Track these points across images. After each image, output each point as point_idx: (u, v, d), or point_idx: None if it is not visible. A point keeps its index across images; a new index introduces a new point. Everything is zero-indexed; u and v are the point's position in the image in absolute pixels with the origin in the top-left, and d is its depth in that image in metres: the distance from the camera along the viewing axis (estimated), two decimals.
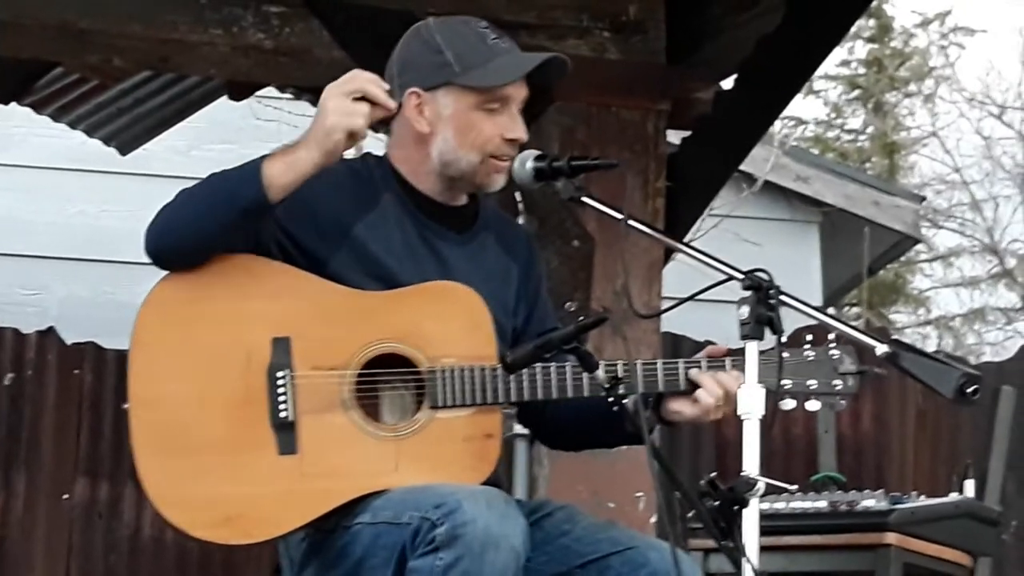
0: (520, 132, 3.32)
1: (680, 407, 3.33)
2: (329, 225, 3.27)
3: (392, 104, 3.22)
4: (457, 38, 3.32)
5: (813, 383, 3.29)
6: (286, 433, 3.19)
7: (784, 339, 3.10)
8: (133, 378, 3.22)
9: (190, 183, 3.22)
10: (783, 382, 3.25)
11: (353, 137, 3.18)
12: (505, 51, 3.33)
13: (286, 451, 3.19)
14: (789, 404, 3.29)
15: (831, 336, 3.29)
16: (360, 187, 3.33)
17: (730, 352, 3.31)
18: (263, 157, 3.17)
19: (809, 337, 3.31)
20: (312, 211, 3.26)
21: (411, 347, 3.23)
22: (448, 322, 3.25)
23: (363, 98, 3.19)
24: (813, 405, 3.31)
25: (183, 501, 3.18)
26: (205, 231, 3.18)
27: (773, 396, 3.13)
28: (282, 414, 3.19)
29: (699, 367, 3.29)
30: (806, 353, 3.30)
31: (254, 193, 3.14)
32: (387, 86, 3.22)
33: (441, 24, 3.36)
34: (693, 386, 3.29)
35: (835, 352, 3.30)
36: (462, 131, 3.30)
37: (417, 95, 3.32)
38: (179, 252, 3.20)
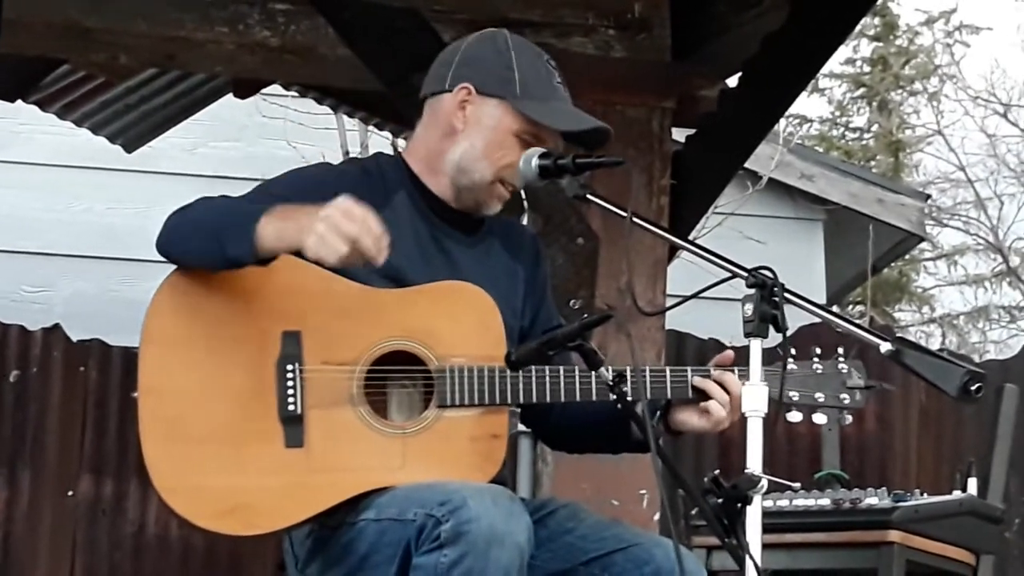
0: None
1: (687, 418, 3.33)
2: None
3: (377, 263, 3.11)
4: (528, 64, 3.34)
5: (820, 396, 3.30)
6: (293, 426, 3.20)
7: (789, 338, 3.10)
8: (143, 368, 3.23)
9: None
10: (791, 394, 3.26)
11: (317, 262, 3.10)
12: (563, 99, 3.37)
13: (293, 444, 3.20)
14: (796, 416, 3.29)
15: (840, 349, 3.30)
16: (372, 186, 3.33)
17: (736, 355, 3.31)
18: (262, 214, 3.12)
19: (817, 350, 3.32)
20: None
21: (421, 345, 3.24)
22: (459, 322, 3.26)
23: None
24: (820, 418, 3.32)
25: (188, 490, 3.18)
26: (200, 261, 3.21)
27: (777, 403, 3.14)
28: (290, 407, 3.20)
29: (708, 374, 3.30)
30: (815, 366, 3.31)
31: (240, 253, 3.13)
32: (386, 241, 3.09)
33: (519, 43, 3.38)
34: (700, 395, 3.30)
35: (843, 366, 3.31)
36: (491, 146, 3.32)
37: (468, 91, 3.33)
38: (182, 265, 3.24)
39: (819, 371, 3.31)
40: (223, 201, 3.23)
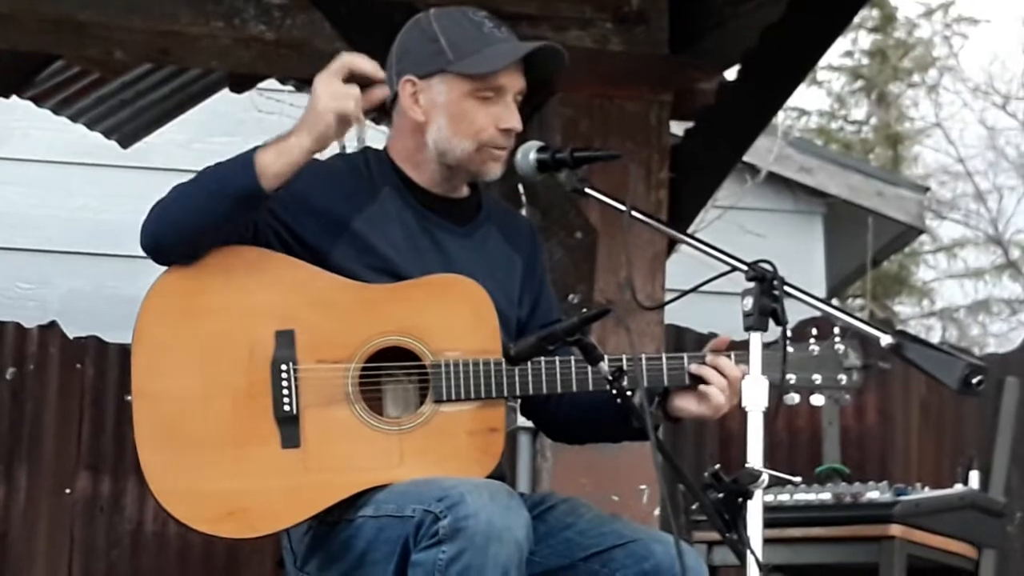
0: (514, 122, 3.30)
1: (685, 404, 3.31)
2: (328, 219, 3.26)
3: (380, 74, 3.20)
4: (453, 26, 3.31)
5: (818, 377, 3.28)
6: (289, 426, 3.18)
7: (788, 331, 3.09)
8: (136, 371, 3.21)
9: (191, 176, 3.21)
10: (788, 377, 3.23)
11: (345, 122, 3.15)
12: (501, 40, 3.31)
13: (289, 445, 3.18)
14: (793, 399, 3.27)
15: (836, 330, 3.27)
16: (359, 181, 3.32)
17: (734, 345, 3.29)
18: (256, 147, 3.16)
19: (814, 331, 3.30)
20: (310, 205, 3.25)
21: (415, 340, 3.22)
22: (452, 315, 3.24)
23: (354, 80, 3.16)
24: (817, 400, 3.30)
25: (186, 495, 3.17)
26: (199, 223, 3.17)
27: (777, 389, 3.12)
28: (285, 407, 3.18)
29: (703, 361, 3.28)
30: (811, 347, 3.29)
31: (247, 182, 3.13)
32: (375, 63, 3.20)
33: (439, 13, 3.35)
34: (697, 381, 3.28)
35: (840, 346, 3.29)
36: (456, 119, 3.29)
37: (412, 83, 3.31)
38: (174, 246, 3.19)
39: (816, 353, 3.28)
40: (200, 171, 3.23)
